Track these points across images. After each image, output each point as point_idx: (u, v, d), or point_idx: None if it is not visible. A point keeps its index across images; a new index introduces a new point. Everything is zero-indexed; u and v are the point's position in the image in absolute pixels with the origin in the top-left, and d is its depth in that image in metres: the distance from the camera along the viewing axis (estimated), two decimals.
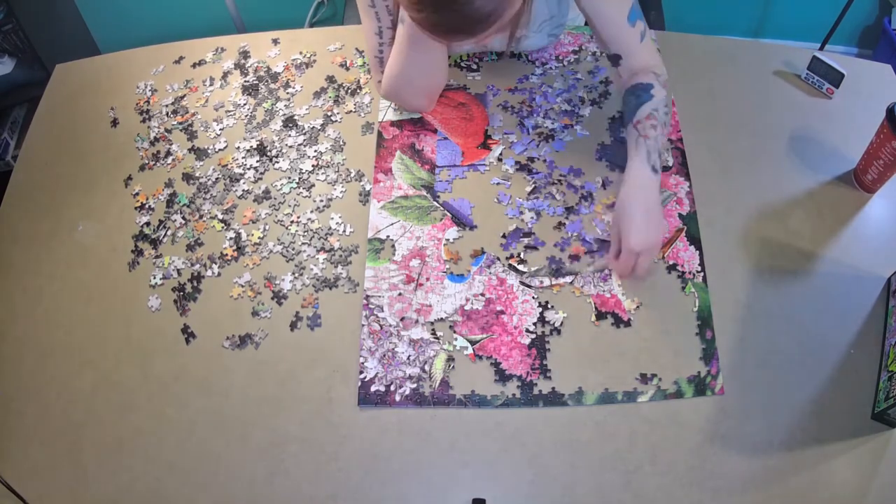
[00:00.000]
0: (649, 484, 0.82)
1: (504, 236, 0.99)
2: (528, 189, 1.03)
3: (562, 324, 0.92)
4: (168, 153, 1.11)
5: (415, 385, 0.88)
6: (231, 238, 1.01)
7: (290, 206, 1.04)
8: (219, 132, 1.12)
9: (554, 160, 1.05)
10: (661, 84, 0.96)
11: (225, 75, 1.19)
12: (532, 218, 1.00)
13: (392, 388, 0.88)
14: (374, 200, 1.03)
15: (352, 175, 1.06)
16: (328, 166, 1.07)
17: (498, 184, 1.03)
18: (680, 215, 1.00)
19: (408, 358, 0.90)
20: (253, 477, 0.84)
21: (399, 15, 0.97)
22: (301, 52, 1.21)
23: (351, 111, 1.13)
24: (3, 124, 1.90)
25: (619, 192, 0.91)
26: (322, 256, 0.99)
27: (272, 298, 0.96)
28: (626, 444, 0.84)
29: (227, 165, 1.08)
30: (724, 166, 1.05)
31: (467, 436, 0.85)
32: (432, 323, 0.92)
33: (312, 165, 1.07)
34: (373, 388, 0.88)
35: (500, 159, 1.06)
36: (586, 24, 1.32)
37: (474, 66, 1.16)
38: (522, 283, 0.95)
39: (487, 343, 0.91)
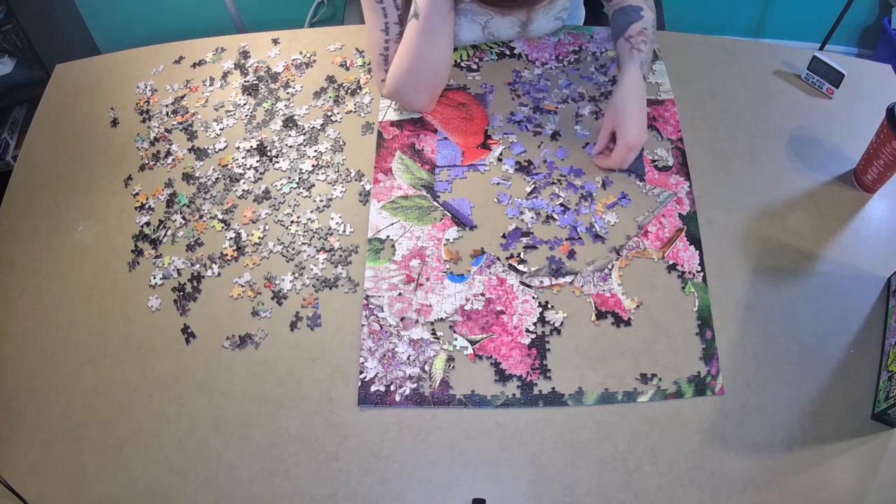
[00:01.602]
0: (649, 484, 0.82)
1: (504, 236, 0.99)
2: (528, 189, 1.03)
3: (562, 324, 0.92)
4: (168, 153, 1.11)
5: (415, 385, 0.88)
6: (231, 238, 1.01)
7: (290, 206, 1.04)
8: (219, 132, 1.12)
9: (554, 161, 1.05)
10: (648, 7, 1.05)
11: (225, 75, 1.19)
12: (532, 218, 1.00)
13: (392, 388, 0.88)
14: (374, 200, 1.03)
15: (352, 175, 1.06)
16: (328, 166, 1.07)
17: (498, 184, 1.03)
18: (680, 215, 1.00)
19: (408, 358, 0.90)
20: (253, 477, 0.84)
21: (411, 9, 0.97)
22: (301, 52, 1.21)
23: (351, 111, 1.13)
24: (3, 124, 1.90)
25: (614, 95, 0.99)
26: (322, 256, 0.99)
27: (272, 298, 0.96)
28: (626, 444, 0.84)
29: (227, 165, 1.08)
30: (724, 166, 1.05)
31: (467, 436, 0.85)
32: (432, 323, 0.92)
33: (312, 165, 1.07)
34: (373, 388, 0.88)
35: (500, 159, 1.06)
36: (586, 24, 1.32)
37: (474, 66, 1.16)
38: (522, 283, 0.95)
39: (487, 343, 0.91)
